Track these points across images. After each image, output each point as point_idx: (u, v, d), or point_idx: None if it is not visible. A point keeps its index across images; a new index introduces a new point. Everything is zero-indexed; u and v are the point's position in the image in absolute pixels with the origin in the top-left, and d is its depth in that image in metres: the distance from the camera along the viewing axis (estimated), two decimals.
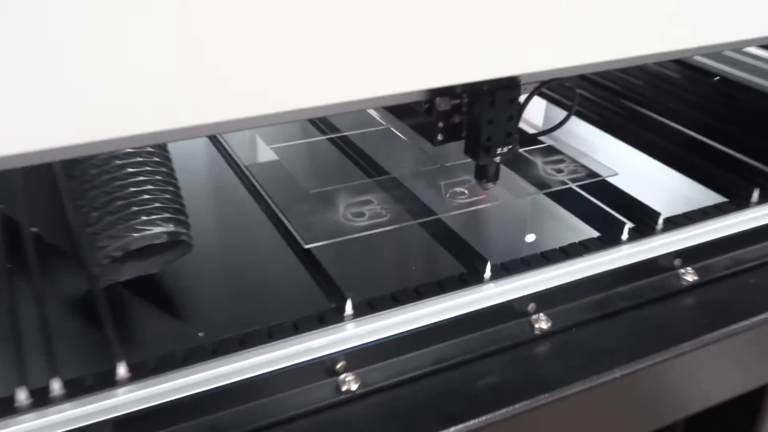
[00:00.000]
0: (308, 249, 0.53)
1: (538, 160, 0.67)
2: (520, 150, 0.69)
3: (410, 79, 0.40)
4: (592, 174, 0.64)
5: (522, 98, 0.50)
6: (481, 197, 0.60)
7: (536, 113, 0.84)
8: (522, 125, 0.71)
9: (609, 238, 0.57)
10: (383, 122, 0.73)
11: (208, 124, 0.36)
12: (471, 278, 0.52)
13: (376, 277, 0.59)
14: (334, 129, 0.77)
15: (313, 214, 0.57)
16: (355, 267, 0.60)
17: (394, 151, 0.70)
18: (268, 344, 0.46)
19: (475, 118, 0.49)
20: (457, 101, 0.49)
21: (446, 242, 0.58)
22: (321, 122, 0.79)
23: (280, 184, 0.64)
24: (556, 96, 0.86)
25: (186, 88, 0.35)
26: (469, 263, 0.55)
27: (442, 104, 0.48)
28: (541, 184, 0.63)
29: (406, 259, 0.62)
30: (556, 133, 0.73)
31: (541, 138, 0.72)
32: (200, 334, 0.52)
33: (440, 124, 0.49)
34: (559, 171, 0.65)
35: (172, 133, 0.36)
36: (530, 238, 0.62)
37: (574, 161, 0.67)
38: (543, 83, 0.51)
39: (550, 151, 0.69)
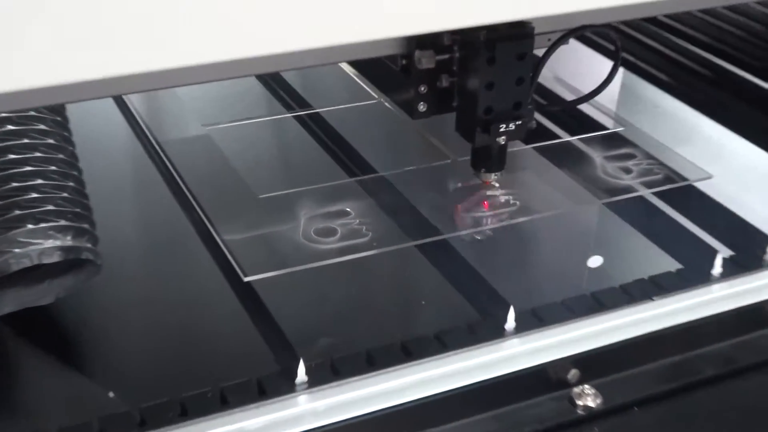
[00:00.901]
0: (249, 282, 0.53)
1: (596, 154, 0.66)
2: (571, 139, 0.69)
3: (378, 22, 0.39)
4: (674, 176, 0.63)
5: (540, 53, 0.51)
6: (507, 209, 0.59)
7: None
8: (558, 87, 0.71)
9: (693, 273, 0.56)
10: (373, 94, 0.73)
11: (115, 77, 0.36)
12: (486, 330, 0.52)
13: (346, 327, 0.58)
14: (302, 103, 0.76)
15: (259, 230, 0.56)
16: (317, 312, 0.59)
17: (385, 138, 0.70)
18: (182, 424, 0.46)
19: (469, 81, 0.49)
20: (445, 56, 0.49)
21: (454, 276, 0.58)
22: (285, 93, 0.79)
23: (217, 183, 0.64)
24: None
25: (82, 25, 0.34)
26: (484, 307, 0.54)
27: (424, 60, 0.48)
28: (598, 190, 0.62)
29: (394, 300, 0.61)
30: (624, 113, 0.73)
31: (595, 117, 0.71)
32: (110, 395, 0.52)
33: (422, 89, 0.50)
34: (627, 171, 0.64)
35: (66, 91, 0.36)
36: (595, 261, 0.62)
37: (649, 156, 0.66)
38: (570, 32, 0.50)
39: (615, 140, 0.68)
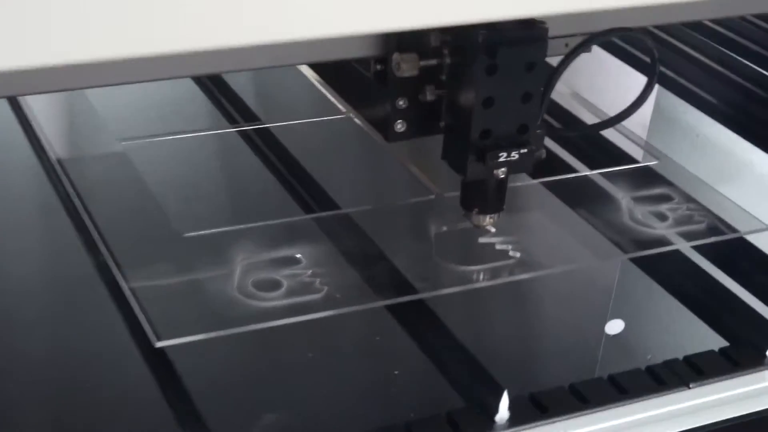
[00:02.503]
0: (162, 348, 0.52)
1: (622, 194, 0.67)
2: (591, 173, 0.69)
3: (348, 16, 0.39)
4: (720, 226, 0.64)
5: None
6: (504, 262, 0.59)
7: None
8: (576, 107, 0.71)
9: (743, 353, 0.56)
10: (340, 106, 0.73)
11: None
12: (472, 421, 0.51)
13: (291, 415, 0.57)
14: (249, 116, 0.77)
15: (180, 278, 0.56)
16: (252, 392, 0.58)
17: (353, 164, 0.70)
18: None
19: (461, 95, 0.49)
20: (431, 62, 0.50)
21: (433, 348, 0.57)
22: (228, 102, 0.79)
23: (130, 215, 0.64)
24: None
25: None
26: (470, 391, 0.53)
27: (405, 66, 0.49)
28: (623, 240, 0.63)
29: (355, 379, 0.61)
30: (657, 142, 0.72)
31: (622, 145, 0.71)
32: None
33: (400, 103, 0.51)
34: (660, 216, 0.65)
35: None
36: (615, 326, 0.63)
37: (689, 199, 0.67)
38: (594, 36, 0.50)
39: (646, 177, 0.68)
